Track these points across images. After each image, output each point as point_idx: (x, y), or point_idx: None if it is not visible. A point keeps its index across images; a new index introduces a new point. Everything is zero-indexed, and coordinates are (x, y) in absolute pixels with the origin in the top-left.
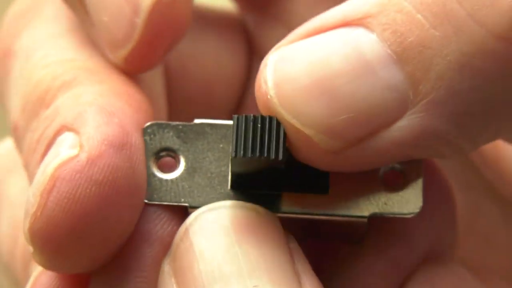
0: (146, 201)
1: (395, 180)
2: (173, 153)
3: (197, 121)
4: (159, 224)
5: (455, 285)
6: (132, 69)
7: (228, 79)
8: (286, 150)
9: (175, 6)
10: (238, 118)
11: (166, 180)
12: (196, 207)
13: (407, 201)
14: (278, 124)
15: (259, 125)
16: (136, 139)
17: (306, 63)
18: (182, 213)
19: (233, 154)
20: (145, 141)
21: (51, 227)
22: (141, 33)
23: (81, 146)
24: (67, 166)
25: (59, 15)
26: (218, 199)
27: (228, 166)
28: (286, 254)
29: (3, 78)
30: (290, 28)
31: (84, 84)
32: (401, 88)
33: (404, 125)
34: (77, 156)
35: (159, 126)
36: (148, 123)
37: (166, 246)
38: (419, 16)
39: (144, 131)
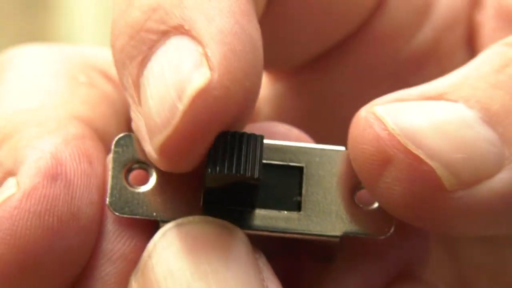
0: (117, 213)
1: (368, 200)
2: (145, 166)
3: None
4: (121, 241)
5: None
6: (164, 161)
7: None
8: (262, 168)
9: (228, 102)
10: (218, 134)
11: (138, 193)
12: (168, 221)
13: (380, 222)
14: (255, 141)
15: (236, 142)
16: (72, 167)
17: (418, 114)
18: (146, 229)
19: (209, 171)
20: (116, 152)
21: (0, 267)
22: (181, 119)
23: (18, 184)
24: (5, 204)
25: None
26: (190, 214)
27: (201, 181)
28: (255, 271)
29: None
30: None
31: (21, 130)
32: (497, 144)
33: (504, 178)
34: (14, 194)
35: (131, 138)
36: (121, 135)
37: (130, 262)
38: (497, 91)
39: (116, 143)
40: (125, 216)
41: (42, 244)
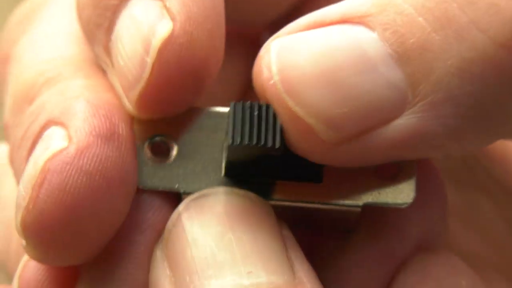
0: (140, 186)
1: (389, 171)
2: (166, 139)
3: (191, 107)
4: (151, 211)
5: (449, 272)
6: (144, 114)
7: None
8: (283, 138)
9: (193, 46)
10: (235, 105)
11: (160, 166)
12: (190, 193)
13: (401, 192)
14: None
15: (256, 113)
16: (123, 129)
17: (311, 53)
18: (174, 199)
19: (230, 142)
20: (137, 126)
21: (44, 219)
22: (151, 72)
23: (69, 138)
24: (57, 158)
25: (57, 16)
26: (212, 186)
27: (222, 153)
28: (279, 241)
29: (2, 83)
30: None
31: (69, 79)
32: (401, 87)
33: (401, 124)
34: (66, 148)
35: None
36: None
37: (158, 233)
38: (420, 19)
39: (137, 118)
40: (148, 188)
41: (89, 204)
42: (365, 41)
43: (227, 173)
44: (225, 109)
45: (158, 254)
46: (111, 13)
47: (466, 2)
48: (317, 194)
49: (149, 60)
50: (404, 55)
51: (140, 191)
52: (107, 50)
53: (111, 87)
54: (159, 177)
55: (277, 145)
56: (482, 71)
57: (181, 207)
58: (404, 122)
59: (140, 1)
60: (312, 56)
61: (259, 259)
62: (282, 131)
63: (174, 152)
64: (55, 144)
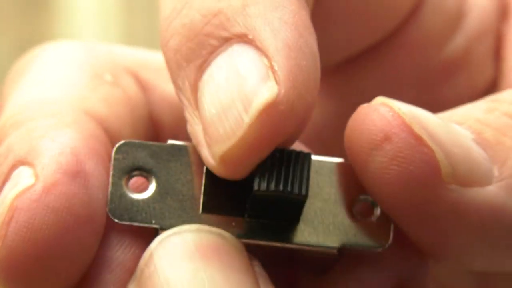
0: (116, 220)
1: (366, 212)
2: (145, 173)
3: (171, 141)
4: (120, 249)
5: None
6: (223, 170)
7: None
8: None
9: (292, 116)
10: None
11: (138, 200)
12: (166, 229)
13: (377, 234)
14: (303, 158)
15: (284, 159)
16: (91, 167)
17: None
18: (145, 237)
19: (256, 187)
20: (116, 159)
21: (13, 256)
22: (245, 132)
23: (36, 176)
24: (24, 196)
25: (46, 64)
26: (189, 222)
27: (200, 189)
28: (252, 279)
29: None
30: None
31: (37, 120)
32: (488, 161)
33: (494, 191)
34: (33, 185)
35: (132, 145)
36: (121, 142)
37: (129, 271)
38: (486, 126)
39: (117, 150)
40: (125, 223)
41: (56, 241)
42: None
43: (204, 210)
44: None
45: None
46: (207, 53)
47: None
48: (293, 235)
49: (247, 119)
50: (483, 141)
51: (110, 229)
52: (195, 89)
53: (81, 126)
54: (136, 212)
55: (304, 191)
56: None
57: (153, 245)
58: (495, 192)
59: (244, 51)
60: (424, 111)
61: None
62: (309, 177)
63: (153, 186)
64: (22, 182)
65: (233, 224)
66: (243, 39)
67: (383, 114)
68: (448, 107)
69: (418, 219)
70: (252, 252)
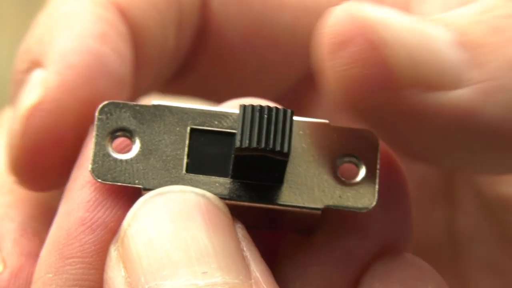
0: (99, 180)
1: (350, 174)
2: (129, 134)
3: (155, 102)
4: (102, 210)
5: (414, 276)
6: (24, 184)
7: None
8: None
9: (60, 107)
10: (245, 107)
11: (121, 161)
12: (150, 189)
13: (362, 196)
14: (285, 115)
15: (265, 116)
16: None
17: (396, 16)
18: (127, 198)
19: (238, 144)
20: (100, 120)
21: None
22: (19, 139)
23: (3, 262)
24: None
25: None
26: (172, 183)
27: (184, 150)
28: (235, 240)
29: None
30: None
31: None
32: (464, 62)
33: (465, 94)
34: (1, 273)
35: (116, 105)
36: (105, 102)
37: (111, 231)
38: (478, 26)
39: (100, 110)
40: (108, 183)
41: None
42: (433, 28)
43: (188, 170)
44: (190, 106)
45: (113, 254)
46: (18, 87)
47: None
48: (277, 196)
49: (17, 128)
50: (466, 42)
51: (91, 189)
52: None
53: (31, 200)
54: (119, 172)
55: (285, 149)
56: None
57: (136, 205)
58: (461, 95)
59: (36, 73)
60: (395, 15)
61: (214, 259)
62: (291, 135)
63: (136, 147)
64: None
65: (217, 184)
66: (37, 64)
67: (345, 17)
68: None
69: (381, 121)
70: (236, 213)
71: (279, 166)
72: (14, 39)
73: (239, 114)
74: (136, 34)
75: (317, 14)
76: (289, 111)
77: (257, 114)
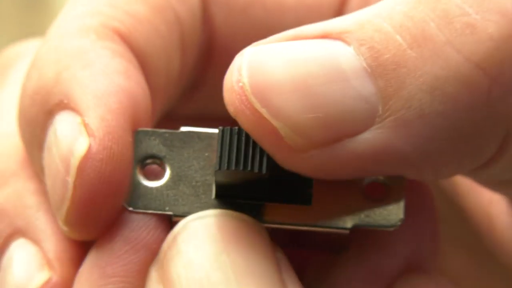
0: (131, 208)
1: (377, 192)
2: (159, 161)
3: (183, 129)
4: (146, 231)
5: None
6: (76, 234)
7: None
8: (271, 162)
9: (114, 160)
10: (223, 130)
11: (151, 188)
12: (180, 216)
13: (389, 214)
14: None
15: (243, 138)
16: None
17: (284, 60)
18: (168, 221)
19: (217, 167)
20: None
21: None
22: (73, 192)
23: (50, 266)
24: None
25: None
26: (202, 208)
27: (212, 175)
28: (273, 263)
29: None
30: None
31: (20, 178)
32: (372, 100)
33: (368, 138)
34: (50, 279)
35: (146, 133)
36: (135, 130)
37: (152, 253)
38: (397, 36)
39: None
40: (139, 211)
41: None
42: (340, 53)
43: (217, 196)
44: (215, 131)
45: (153, 275)
46: (40, 130)
47: (443, 22)
48: (306, 217)
49: (70, 179)
50: (377, 69)
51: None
52: (41, 169)
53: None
54: (149, 200)
55: (264, 170)
56: (455, 91)
57: (176, 229)
58: (372, 136)
59: (63, 117)
60: (284, 61)
61: (253, 281)
62: (269, 156)
63: (166, 174)
64: (38, 276)
65: (247, 209)
66: (61, 106)
67: (233, 85)
68: None
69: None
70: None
71: (262, 184)
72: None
73: (218, 136)
74: (142, 63)
75: (320, 13)
76: None
77: (235, 137)
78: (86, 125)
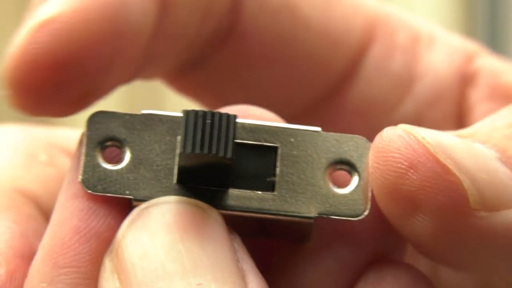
0: (90, 191)
1: (343, 181)
2: (119, 143)
3: (144, 111)
4: (95, 219)
5: (406, 284)
6: (18, 100)
7: None
8: (236, 148)
9: (69, 35)
10: (188, 112)
11: (111, 171)
12: (141, 200)
13: (355, 204)
14: (229, 121)
15: (208, 121)
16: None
17: (451, 136)
18: (121, 207)
19: (181, 150)
20: (89, 130)
21: None
22: (21, 50)
23: None
24: None
25: None
26: (163, 193)
27: (174, 160)
28: (230, 251)
29: None
30: None
31: None
32: None
33: None
34: None
35: (105, 115)
36: (94, 112)
37: (105, 241)
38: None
39: (89, 120)
40: (98, 194)
41: None
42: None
43: (179, 180)
44: (179, 115)
45: (107, 265)
46: None
47: None
48: (269, 204)
49: (23, 37)
50: (508, 159)
51: (84, 199)
52: None
53: (19, 208)
54: (109, 183)
55: (229, 155)
56: None
57: (130, 216)
58: None
59: None
60: (448, 135)
61: (210, 270)
62: (234, 140)
63: (126, 157)
64: None
65: (208, 194)
66: None
67: (408, 142)
68: None
69: (445, 246)
70: (229, 223)
71: (225, 169)
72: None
73: (182, 119)
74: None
75: (347, 39)
76: (232, 116)
77: (200, 120)
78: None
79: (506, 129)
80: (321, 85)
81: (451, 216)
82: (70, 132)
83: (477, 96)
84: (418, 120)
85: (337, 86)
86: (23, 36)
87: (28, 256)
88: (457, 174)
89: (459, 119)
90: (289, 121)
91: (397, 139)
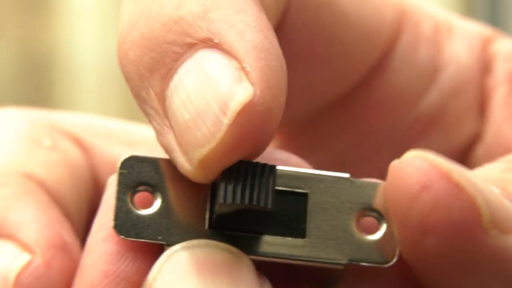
0: (122, 236)
1: (372, 228)
2: (151, 189)
3: None
4: (125, 263)
5: None
6: (202, 174)
7: None
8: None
9: (268, 117)
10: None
11: (143, 216)
12: (172, 245)
13: (383, 250)
14: (269, 171)
15: (249, 171)
16: (66, 236)
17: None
18: (148, 250)
19: (222, 200)
20: (121, 175)
21: None
22: (225, 134)
23: (30, 251)
24: (27, 273)
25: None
26: (195, 238)
27: (205, 205)
28: None
29: None
30: None
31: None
32: None
33: None
34: (31, 262)
35: (137, 159)
36: (126, 156)
37: (134, 285)
38: (507, 184)
39: (122, 164)
40: (131, 239)
41: None
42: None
43: (211, 226)
44: None
45: None
46: (172, 60)
47: None
48: (299, 250)
49: (226, 121)
50: (510, 195)
51: (113, 243)
52: (162, 97)
53: (36, 195)
54: (141, 228)
55: (269, 205)
56: None
57: (162, 259)
58: None
59: (211, 55)
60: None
61: None
62: (274, 190)
63: (158, 202)
64: (19, 257)
65: (240, 240)
66: (209, 43)
67: (418, 165)
68: None
69: (456, 267)
70: (261, 267)
71: (261, 217)
72: (14, 39)
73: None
74: None
75: (379, 32)
76: (273, 166)
77: (240, 169)
78: (247, 73)
79: (500, 174)
80: (353, 79)
81: (465, 234)
82: (71, 116)
83: (494, 81)
84: (441, 111)
85: (366, 78)
86: (223, 119)
87: (59, 246)
88: (471, 191)
89: (480, 107)
90: (316, 115)
91: (406, 166)
